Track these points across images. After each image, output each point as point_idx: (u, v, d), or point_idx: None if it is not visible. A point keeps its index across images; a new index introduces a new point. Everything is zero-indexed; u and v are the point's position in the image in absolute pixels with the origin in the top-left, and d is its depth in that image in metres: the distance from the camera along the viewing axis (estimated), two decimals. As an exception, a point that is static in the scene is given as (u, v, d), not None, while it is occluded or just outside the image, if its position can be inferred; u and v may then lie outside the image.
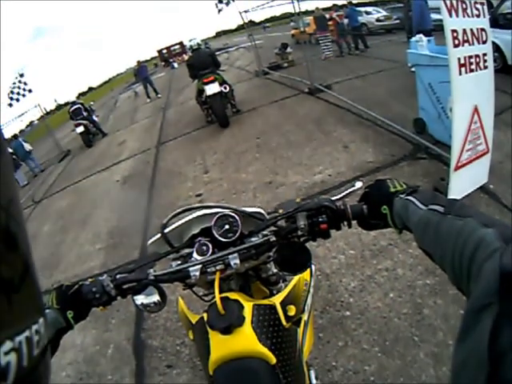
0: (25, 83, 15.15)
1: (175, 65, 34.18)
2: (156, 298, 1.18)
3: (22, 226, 0.36)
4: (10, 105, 15.20)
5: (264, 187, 5.02)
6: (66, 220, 7.92)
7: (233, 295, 1.14)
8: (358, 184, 1.23)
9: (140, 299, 1.19)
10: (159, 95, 17.88)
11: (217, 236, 1.25)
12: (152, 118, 13.23)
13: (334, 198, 1.16)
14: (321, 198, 1.15)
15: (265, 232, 1.23)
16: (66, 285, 1.20)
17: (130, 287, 1.22)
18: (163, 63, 42.97)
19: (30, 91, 15.36)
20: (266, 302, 1.19)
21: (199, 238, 1.29)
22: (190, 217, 1.33)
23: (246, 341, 1.06)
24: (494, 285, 0.45)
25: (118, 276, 1.23)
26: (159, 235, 1.32)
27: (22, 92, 15.22)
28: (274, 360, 1.05)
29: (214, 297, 1.14)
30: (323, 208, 1.12)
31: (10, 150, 14.12)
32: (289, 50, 14.55)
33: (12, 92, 15.15)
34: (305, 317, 1.32)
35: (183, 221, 1.34)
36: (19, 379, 0.31)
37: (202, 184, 5.99)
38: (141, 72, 18.03)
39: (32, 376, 0.34)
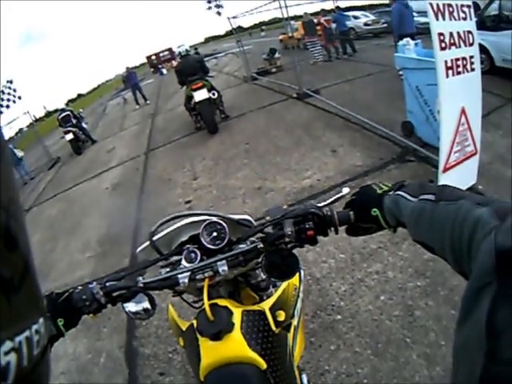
0: (14, 90, 15.11)
1: (164, 71, 34.11)
2: (146, 304, 1.19)
3: (22, 226, 0.36)
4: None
5: (253, 193, 5.02)
6: (56, 228, 7.86)
7: (222, 302, 1.15)
8: (345, 190, 1.23)
9: (130, 306, 1.20)
10: (148, 101, 17.88)
11: (205, 243, 1.25)
12: (141, 124, 13.22)
13: (320, 205, 1.16)
14: (308, 204, 1.15)
15: (252, 239, 1.23)
16: (56, 292, 1.20)
17: (120, 295, 1.22)
18: (152, 69, 42.90)
19: (19, 98, 15.33)
20: (255, 307, 1.20)
21: (187, 246, 1.29)
22: (178, 224, 1.34)
23: (235, 346, 1.06)
24: (490, 264, 0.45)
25: (107, 283, 1.23)
26: (148, 243, 1.34)
27: (11, 98, 15.18)
28: (264, 365, 1.05)
29: (203, 303, 1.14)
30: (310, 214, 1.11)
31: None
32: (277, 55, 14.59)
33: (1, 99, 15.11)
34: (294, 321, 1.32)
35: (171, 228, 1.35)
36: (19, 379, 0.31)
37: (192, 190, 5.99)
38: (130, 78, 18.02)
39: (32, 376, 0.34)
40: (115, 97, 29.68)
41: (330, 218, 1.10)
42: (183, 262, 1.25)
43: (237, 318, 1.11)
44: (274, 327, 1.17)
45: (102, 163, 10.60)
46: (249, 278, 1.47)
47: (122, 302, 1.21)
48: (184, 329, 1.26)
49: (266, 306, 1.22)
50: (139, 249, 1.43)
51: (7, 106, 15.22)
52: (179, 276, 1.19)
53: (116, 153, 11.05)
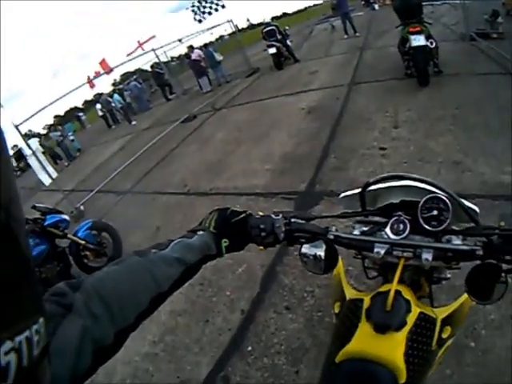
0: None
1: (376, 6, 32.38)
2: (319, 252, 1.12)
3: (22, 226, 0.36)
4: (200, 20, 16.21)
5: (450, 165, 4.48)
6: (242, 133, 8.31)
7: (406, 292, 1.03)
8: None
9: (308, 251, 1.13)
10: (357, 34, 17.02)
11: (420, 219, 1.09)
12: (348, 55, 12.71)
13: None
14: None
15: (472, 239, 1.04)
16: (232, 209, 1.15)
17: (302, 236, 1.15)
18: (363, 2, 41.31)
19: (223, 6, 16.13)
20: (430, 312, 1.05)
21: (399, 213, 1.15)
22: (396, 183, 1.21)
23: (393, 348, 0.94)
24: None
25: (292, 220, 1.16)
26: (357, 191, 1.25)
27: (214, 6, 16.05)
28: (403, 379, 0.92)
29: (378, 276, 1.16)
30: None
31: (202, 56, 15.21)
32: (500, 19, 12.85)
33: (204, 6, 16.09)
34: (450, 341, 1.14)
35: (387, 185, 1.23)
36: (19, 379, 0.31)
37: (389, 138, 5.59)
38: (340, 6, 17.25)
39: (32, 376, 0.34)
40: (322, 22, 29.15)
41: None
42: (387, 230, 1.12)
43: (411, 319, 0.98)
44: (434, 342, 1.03)
45: (302, 83, 10.55)
46: (434, 271, 1.27)
47: (301, 245, 1.14)
48: (348, 297, 1.17)
49: (440, 314, 1.08)
50: (344, 194, 1.35)
51: (209, 13, 16.19)
52: (377, 244, 1.08)
53: (318, 77, 10.86)
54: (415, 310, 1.00)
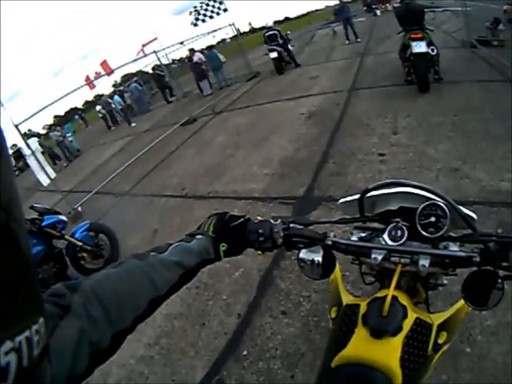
0: (220, 2, 16.03)
1: (378, 12, 32.38)
2: (317, 258, 1.12)
3: (22, 226, 0.36)
4: (195, 24, 16.29)
5: (448, 172, 4.49)
6: (241, 137, 8.31)
7: (402, 297, 1.04)
8: None
9: (301, 252, 1.14)
10: (359, 39, 17.09)
11: (418, 226, 1.10)
12: (349, 60, 12.77)
13: None
14: None
15: (469, 246, 1.05)
16: (230, 214, 1.16)
17: (300, 241, 1.16)
18: (365, 8, 41.46)
19: (225, 10, 16.18)
20: (426, 317, 1.06)
21: (397, 219, 1.15)
22: (394, 190, 1.21)
23: (389, 354, 0.94)
24: None
25: (291, 225, 1.16)
26: (356, 197, 1.25)
27: (216, 10, 16.13)
28: None
29: (375, 281, 1.14)
30: None
31: (203, 59, 15.36)
32: (501, 27, 12.85)
33: (206, 9, 16.16)
34: (446, 347, 1.14)
35: (386, 191, 1.23)
36: (19, 379, 0.31)
37: (388, 144, 5.59)
38: (342, 12, 17.36)
39: (32, 376, 0.34)
40: (324, 27, 29.38)
41: None
42: (385, 237, 1.13)
43: (407, 324, 0.99)
44: (430, 348, 1.03)
45: (303, 88, 10.56)
46: (431, 277, 1.27)
47: (299, 250, 1.14)
48: (345, 303, 1.17)
49: (436, 320, 1.10)
50: (343, 200, 1.35)
51: (211, 17, 16.27)
52: (374, 250, 1.08)
53: (319, 82, 10.90)
54: (411, 316, 1.01)
